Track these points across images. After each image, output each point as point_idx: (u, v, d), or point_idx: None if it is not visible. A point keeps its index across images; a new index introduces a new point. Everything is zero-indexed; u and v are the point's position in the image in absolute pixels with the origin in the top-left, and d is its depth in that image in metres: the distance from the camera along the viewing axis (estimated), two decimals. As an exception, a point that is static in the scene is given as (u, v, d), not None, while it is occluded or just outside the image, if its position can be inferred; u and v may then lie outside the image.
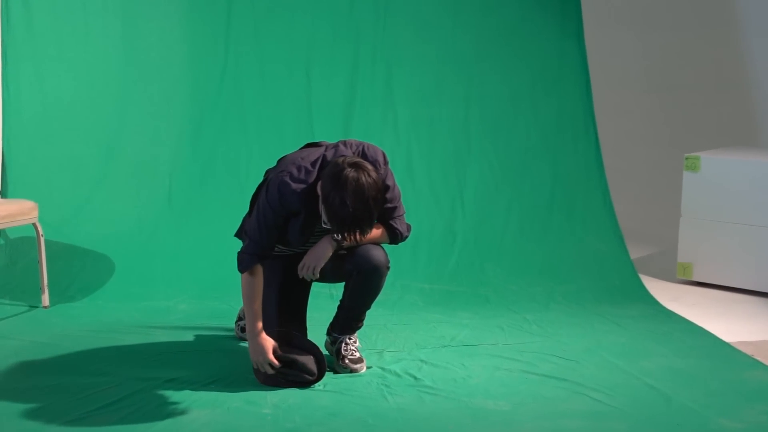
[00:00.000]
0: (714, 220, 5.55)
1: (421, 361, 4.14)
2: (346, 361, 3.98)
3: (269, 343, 3.81)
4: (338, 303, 4.07)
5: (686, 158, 5.60)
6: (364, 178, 3.55)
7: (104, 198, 5.50)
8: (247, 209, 4.07)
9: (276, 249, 3.97)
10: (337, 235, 3.78)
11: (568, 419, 3.55)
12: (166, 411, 3.54)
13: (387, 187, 3.79)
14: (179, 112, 5.73)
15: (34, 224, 4.78)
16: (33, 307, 4.81)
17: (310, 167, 3.74)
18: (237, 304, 4.66)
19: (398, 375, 3.96)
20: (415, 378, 3.93)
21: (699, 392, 3.83)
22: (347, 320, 4.04)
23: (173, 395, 3.68)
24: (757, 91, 7.10)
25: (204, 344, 4.32)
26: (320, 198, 3.64)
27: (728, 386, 3.92)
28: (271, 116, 5.75)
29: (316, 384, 3.83)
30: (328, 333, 4.09)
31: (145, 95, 5.67)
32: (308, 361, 3.83)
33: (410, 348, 4.31)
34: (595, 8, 6.82)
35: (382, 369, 4.02)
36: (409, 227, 3.99)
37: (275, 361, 3.78)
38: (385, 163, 3.83)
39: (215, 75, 5.76)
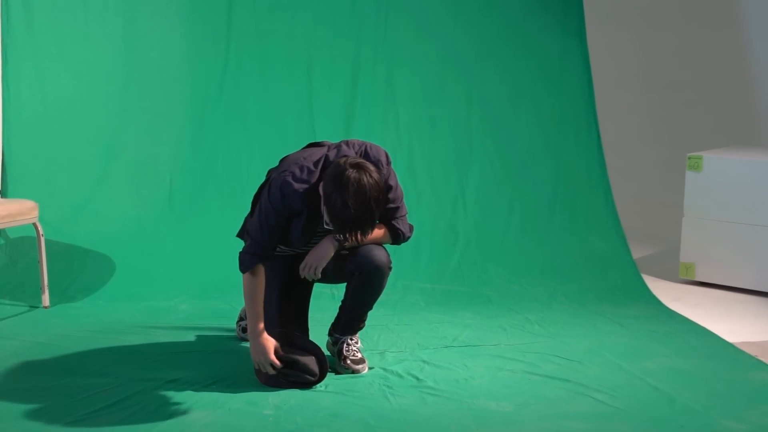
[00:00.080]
0: (717, 220, 5.53)
1: (424, 361, 4.12)
2: (348, 361, 3.97)
3: (271, 343, 3.79)
4: (340, 303, 4.05)
5: (689, 158, 5.58)
6: (365, 179, 3.54)
7: (105, 197, 5.49)
8: (248, 209, 4.06)
9: (278, 249, 3.95)
10: (339, 236, 3.77)
11: (572, 420, 3.53)
12: (167, 412, 3.52)
13: (389, 187, 3.78)
14: (180, 111, 5.72)
15: (34, 224, 4.77)
16: (33, 307, 4.80)
17: (312, 167, 3.73)
18: (238, 304, 4.65)
19: (400, 376, 3.94)
20: (418, 379, 3.91)
21: (702, 393, 3.82)
22: (349, 321, 4.02)
23: (174, 396, 3.67)
24: (759, 90, 7.08)
25: (205, 344, 4.31)
26: (322, 198, 3.62)
27: (732, 387, 3.90)
28: (272, 116, 5.75)
29: (318, 385, 3.81)
30: (330, 334, 4.08)
31: (146, 94, 5.66)
32: (310, 361, 3.81)
33: (412, 348, 4.30)
34: (597, 7, 6.80)
35: (384, 370, 4.01)
36: (411, 228, 3.97)
37: (276, 362, 3.77)
38: (388, 163, 3.82)
39: (216, 74, 5.75)
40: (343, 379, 3.89)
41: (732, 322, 4.88)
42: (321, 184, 3.65)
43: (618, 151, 6.81)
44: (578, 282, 5.35)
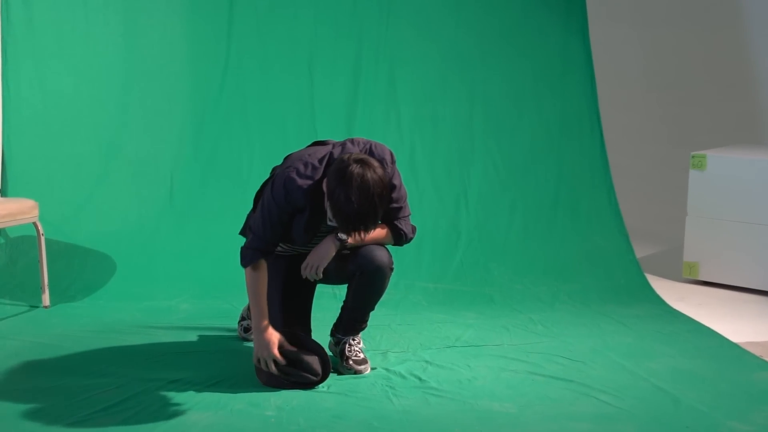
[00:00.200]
0: (720, 219, 5.51)
1: (426, 362, 4.10)
2: (350, 362, 3.95)
3: (275, 337, 3.77)
4: (342, 303, 4.03)
5: (692, 156, 5.56)
6: (369, 175, 3.52)
7: (105, 196, 5.48)
8: (249, 208, 4.04)
9: (280, 249, 3.93)
10: (341, 235, 3.75)
11: (576, 421, 3.51)
12: (168, 413, 3.50)
13: (393, 186, 3.75)
14: (181, 110, 5.70)
15: (34, 223, 4.76)
16: (33, 306, 4.78)
17: (317, 164, 3.71)
18: (240, 303, 4.63)
19: (403, 376, 3.92)
20: (420, 379, 3.89)
21: (707, 394, 3.79)
22: (351, 321, 4.00)
23: (176, 397, 3.65)
24: (763, 88, 7.06)
25: (206, 345, 4.29)
26: (326, 194, 3.60)
27: (737, 388, 3.88)
28: (273, 114, 5.73)
29: (320, 385, 3.78)
30: (332, 334, 4.06)
31: (147, 93, 5.64)
32: (313, 361, 3.79)
33: (415, 349, 4.28)
34: (599, 6, 6.78)
35: (387, 370, 3.98)
36: (414, 229, 3.95)
37: (280, 357, 3.74)
38: (393, 162, 3.79)
39: (217, 73, 5.73)
40: (346, 380, 3.87)
41: (736, 322, 4.85)
42: (325, 180, 3.63)
43: (621, 149, 6.79)
44: (581, 281, 5.33)
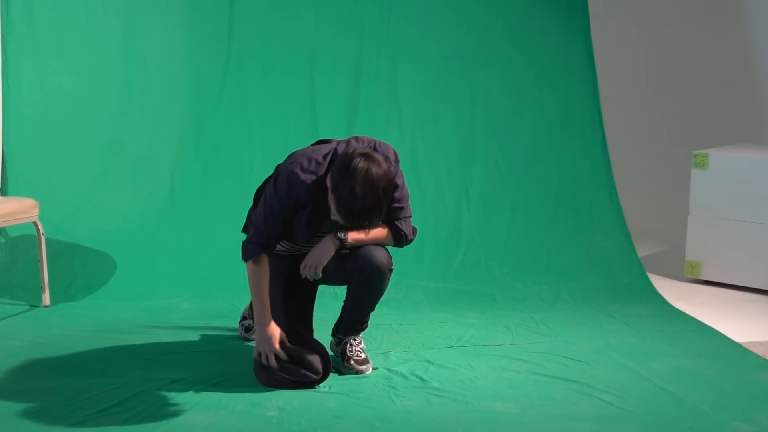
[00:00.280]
0: (722, 218, 5.49)
1: (428, 361, 4.09)
2: (352, 362, 3.93)
3: (278, 332, 3.76)
4: (342, 304, 4.01)
5: (695, 155, 5.55)
6: (374, 169, 3.51)
7: (106, 196, 5.46)
8: (250, 206, 4.02)
9: (282, 248, 3.92)
10: (340, 234, 3.74)
11: (579, 422, 3.49)
12: (169, 413, 3.49)
13: (396, 186, 3.74)
14: (181, 108, 5.69)
15: (34, 222, 4.74)
16: (34, 306, 4.77)
17: (321, 160, 3.70)
18: (241, 303, 4.62)
19: (405, 376, 3.90)
20: (422, 379, 3.88)
21: (711, 394, 3.78)
22: (351, 322, 3.99)
23: (176, 397, 3.63)
24: (765, 87, 7.04)
25: (207, 344, 4.27)
26: (329, 188, 3.59)
27: (740, 388, 3.86)
28: (274, 113, 5.71)
29: (321, 385, 3.77)
30: (333, 334, 4.04)
31: (147, 92, 5.63)
32: (314, 359, 3.78)
33: (416, 348, 4.26)
34: (601, 4, 6.77)
35: (388, 370, 3.97)
36: (415, 230, 3.93)
37: (281, 352, 3.73)
38: (396, 161, 3.78)
39: (218, 71, 5.71)
40: (347, 380, 3.85)
41: (738, 322, 4.84)
42: (329, 175, 3.62)
43: (623, 148, 6.79)
44: (583, 281, 5.32)
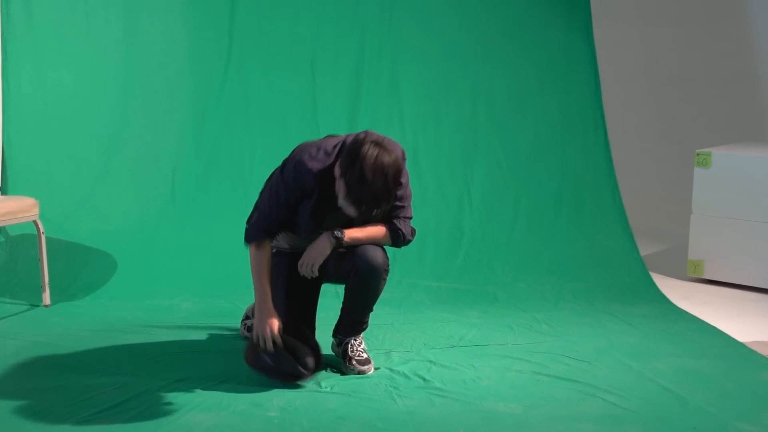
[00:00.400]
0: (725, 217, 5.48)
1: (430, 361, 4.07)
2: (354, 362, 3.91)
3: (277, 318, 3.77)
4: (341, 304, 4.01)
5: (697, 154, 5.53)
6: (384, 156, 3.51)
7: (106, 194, 5.45)
8: (251, 206, 4.01)
9: (285, 246, 3.90)
10: (337, 233, 3.73)
11: (582, 422, 3.48)
12: (170, 414, 3.47)
13: (400, 184, 3.72)
14: (182, 107, 5.67)
15: (34, 221, 4.73)
16: (34, 305, 4.75)
17: (330, 150, 3.71)
18: (242, 302, 4.61)
19: (407, 376, 3.89)
20: (424, 379, 3.86)
21: (714, 394, 3.76)
22: (350, 323, 3.98)
23: (177, 397, 3.62)
24: (767, 85, 7.02)
25: (208, 344, 4.26)
26: (338, 175, 3.58)
27: (744, 388, 3.85)
28: (275, 112, 5.70)
29: (323, 385, 3.75)
30: (334, 335, 4.04)
31: (148, 90, 5.61)
32: (307, 354, 3.77)
33: (418, 348, 4.24)
34: (603, 2, 6.75)
35: (390, 370, 3.95)
36: (413, 231, 3.91)
37: (278, 337, 3.74)
38: (403, 159, 3.76)
39: (219, 70, 5.70)
40: (349, 380, 3.84)
41: (742, 321, 4.83)
42: (337, 163, 3.62)
43: (625, 147, 6.78)
44: (586, 280, 5.30)
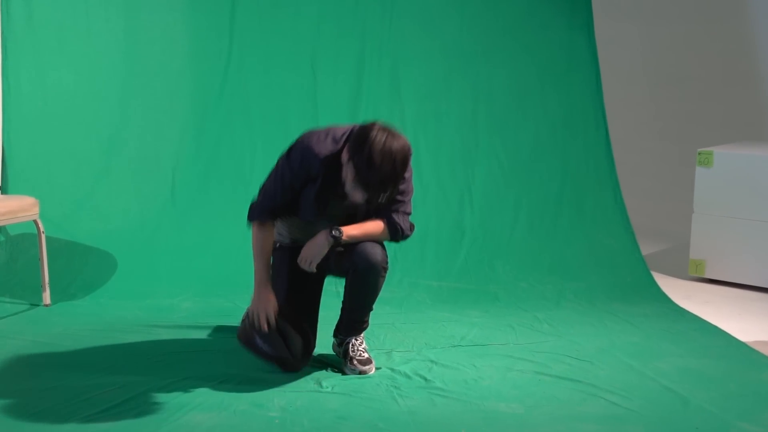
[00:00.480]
0: (727, 216, 5.47)
1: (431, 361, 4.06)
2: (355, 362, 3.90)
3: (274, 299, 3.80)
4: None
5: (699, 153, 5.52)
6: (392, 140, 3.55)
7: (106, 194, 5.44)
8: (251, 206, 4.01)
9: (287, 240, 3.90)
10: (335, 232, 3.72)
11: (584, 422, 3.47)
12: (171, 414, 3.46)
13: (403, 179, 3.72)
14: (182, 106, 5.66)
15: (35, 221, 4.72)
16: (34, 305, 4.74)
17: (338, 137, 3.75)
18: (242, 302, 4.59)
19: (408, 376, 3.87)
20: (426, 379, 3.85)
21: (717, 394, 3.75)
22: (351, 322, 3.97)
23: (178, 397, 3.60)
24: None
25: (209, 344, 4.24)
26: (345, 160, 3.61)
27: (746, 388, 3.83)
28: (276, 111, 5.69)
29: (324, 385, 3.75)
30: (335, 335, 4.03)
31: (148, 89, 5.60)
32: (297, 341, 3.79)
33: (420, 348, 4.23)
34: (603, 1, 6.73)
35: (392, 370, 3.94)
36: (412, 226, 3.91)
37: (273, 317, 3.76)
38: (409, 154, 3.75)
39: (219, 69, 5.69)
40: (350, 380, 3.82)
41: (743, 321, 4.82)
42: (345, 148, 3.64)
43: (626, 146, 6.76)
44: (587, 279, 5.29)
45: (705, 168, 5.50)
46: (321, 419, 3.45)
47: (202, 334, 4.36)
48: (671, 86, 7.26)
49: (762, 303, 5.15)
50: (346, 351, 3.94)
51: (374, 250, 3.81)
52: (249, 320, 3.83)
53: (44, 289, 4.73)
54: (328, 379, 3.83)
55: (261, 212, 3.84)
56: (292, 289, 3.93)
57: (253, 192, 3.99)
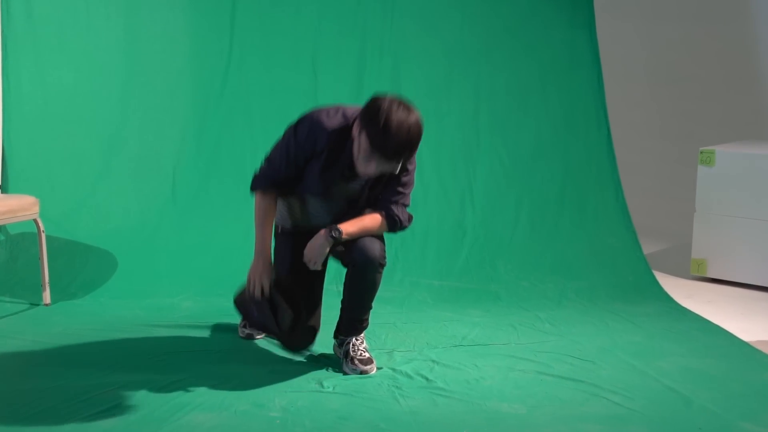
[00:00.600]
0: (729, 215, 5.46)
1: (433, 361, 4.04)
2: (356, 362, 3.89)
3: (272, 270, 3.84)
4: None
5: (701, 152, 5.51)
6: (407, 113, 3.54)
7: (107, 193, 5.43)
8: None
9: (288, 224, 3.94)
10: (334, 233, 3.72)
11: (586, 423, 3.45)
12: (171, 414, 3.44)
13: (406, 170, 3.77)
14: (183, 105, 5.65)
15: (35, 220, 4.71)
16: (34, 304, 4.73)
17: (349, 114, 3.74)
18: (243, 302, 4.58)
19: (409, 376, 3.86)
20: (427, 379, 3.84)
21: (719, 394, 3.74)
22: (350, 321, 3.97)
23: (179, 397, 3.59)
24: (769, 83, 7.02)
25: (209, 343, 4.23)
26: (356, 134, 3.59)
27: (749, 388, 3.82)
28: (276, 110, 5.67)
29: (325, 385, 3.73)
30: (335, 336, 4.03)
31: (149, 88, 5.59)
32: (287, 315, 3.83)
33: (421, 348, 4.22)
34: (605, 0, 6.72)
35: (393, 370, 3.93)
36: (410, 217, 3.92)
37: (266, 288, 3.80)
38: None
39: (220, 68, 5.68)
40: (351, 380, 3.81)
41: (745, 320, 4.81)
42: (355, 122, 3.63)
43: (628, 145, 6.75)
44: (588, 279, 5.28)
45: (707, 167, 5.49)
46: (322, 419, 3.43)
47: (203, 334, 4.35)
48: (673, 85, 7.25)
49: (764, 302, 5.14)
50: (347, 351, 3.93)
51: (372, 245, 3.81)
52: (246, 285, 3.87)
53: (44, 289, 4.72)
54: (329, 379, 3.81)
55: (265, 182, 3.85)
56: (293, 268, 3.93)
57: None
